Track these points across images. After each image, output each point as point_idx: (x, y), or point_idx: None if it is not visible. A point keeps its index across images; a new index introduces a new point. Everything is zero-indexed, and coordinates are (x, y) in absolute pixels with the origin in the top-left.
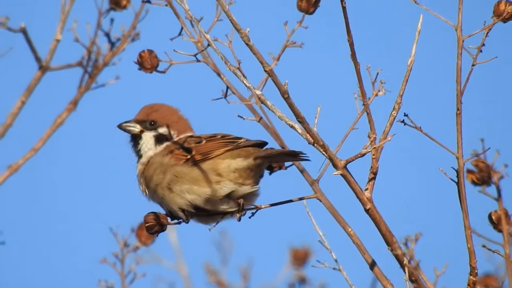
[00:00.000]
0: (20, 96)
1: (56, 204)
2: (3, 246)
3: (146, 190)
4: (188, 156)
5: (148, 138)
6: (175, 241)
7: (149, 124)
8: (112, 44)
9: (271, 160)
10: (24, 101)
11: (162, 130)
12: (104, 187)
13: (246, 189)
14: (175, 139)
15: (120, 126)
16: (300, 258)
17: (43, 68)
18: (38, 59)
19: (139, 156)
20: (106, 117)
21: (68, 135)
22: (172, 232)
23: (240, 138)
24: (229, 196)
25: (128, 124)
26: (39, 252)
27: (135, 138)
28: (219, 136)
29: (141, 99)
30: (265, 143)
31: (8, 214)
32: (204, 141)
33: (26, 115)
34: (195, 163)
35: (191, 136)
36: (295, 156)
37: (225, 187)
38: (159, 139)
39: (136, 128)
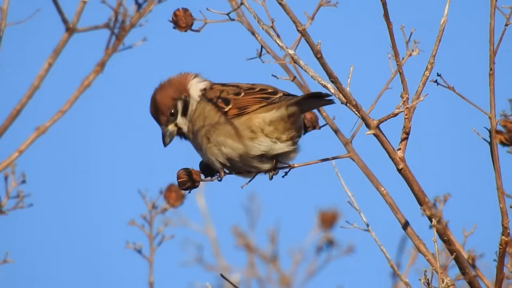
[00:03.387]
0: (47, 58)
1: (84, 167)
2: (31, 208)
3: (191, 136)
4: (226, 109)
5: (182, 122)
6: (203, 203)
7: (170, 115)
8: (139, 6)
9: (301, 106)
10: (51, 63)
11: (179, 107)
12: (132, 149)
13: (282, 146)
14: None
15: (167, 144)
16: (328, 221)
17: (70, 30)
18: (65, 21)
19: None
20: (133, 79)
21: (95, 97)
22: (200, 195)
23: (276, 93)
24: (263, 155)
25: (167, 136)
26: (68, 214)
27: (180, 132)
28: (258, 89)
29: (170, 60)
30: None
31: (37, 177)
32: (243, 93)
33: (53, 77)
34: (232, 116)
35: (230, 86)
36: (320, 97)
37: (259, 145)
38: (184, 111)
39: (171, 129)
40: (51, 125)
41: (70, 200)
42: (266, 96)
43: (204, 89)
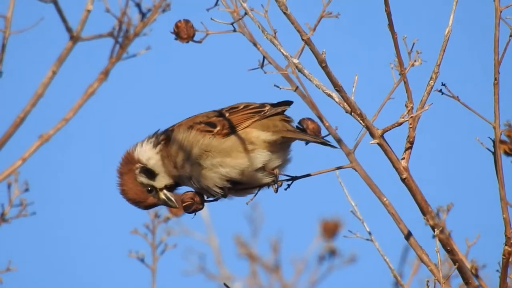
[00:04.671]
0: (51, 66)
1: (86, 174)
2: (34, 217)
3: (174, 172)
4: (214, 130)
5: (159, 181)
6: (206, 213)
7: (149, 192)
8: (143, 15)
9: (298, 139)
10: (55, 71)
11: (144, 179)
12: None
13: (279, 157)
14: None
15: (175, 204)
16: (331, 230)
17: (74, 39)
18: (69, 29)
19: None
20: (137, 87)
21: (99, 105)
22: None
23: (264, 106)
24: (263, 167)
25: (168, 201)
26: (71, 222)
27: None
28: (242, 107)
29: (172, 69)
30: (290, 102)
31: (40, 185)
32: (227, 114)
33: (57, 85)
34: (224, 136)
35: (199, 116)
36: (320, 143)
37: (259, 155)
38: (150, 175)
39: (163, 195)
40: (54, 133)
41: (73, 208)
42: (256, 111)
43: (161, 139)
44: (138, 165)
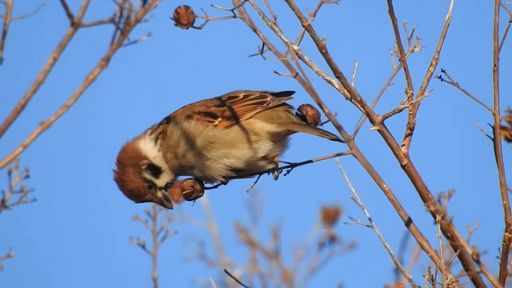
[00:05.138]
0: (52, 53)
1: (88, 162)
2: (35, 203)
3: (176, 163)
4: (216, 122)
5: (162, 179)
6: (206, 200)
7: (148, 189)
8: (144, 1)
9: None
10: (56, 58)
11: (148, 175)
12: None
13: (281, 145)
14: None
15: (172, 206)
16: (330, 217)
17: (75, 25)
18: (70, 15)
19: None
20: (138, 74)
21: (100, 91)
22: None
23: (265, 97)
24: (265, 156)
25: (165, 201)
26: (72, 209)
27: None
28: (242, 96)
29: (174, 55)
30: (292, 92)
31: (41, 172)
32: (227, 103)
33: (58, 71)
34: (226, 127)
35: (197, 104)
36: (326, 136)
37: (263, 145)
38: (155, 172)
39: (160, 194)
40: (55, 120)
41: (73, 195)
42: (258, 101)
43: (158, 133)
44: (145, 161)
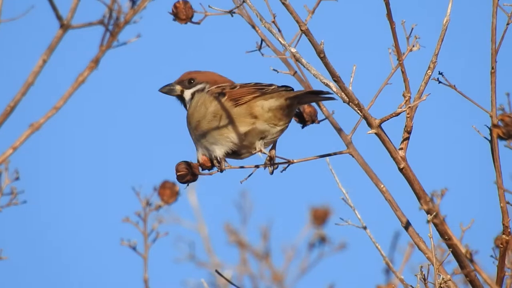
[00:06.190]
0: (41, 55)
1: (78, 164)
2: (25, 205)
3: (191, 128)
4: (223, 100)
5: (188, 95)
6: (195, 201)
7: (187, 82)
8: (133, 2)
9: (300, 99)
10: (45, 60)
11: (201, 86)
12: (126, 146)
13: (278, 130)
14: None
15: (161, 90)
16: (320, 217)
17: (64, 27)
18: (59, 17)
19: None
20: (127, 75)
21: (89, 93)
22: (192, 192)
23: (271, 85)
24: (263, 138)
25: (168, 86)
26: (62, 211)
27: (180, 99)
28: (252, 84)
29: (164, 57)
30: (292, 89)
31: (30, 174)
32: (238, 87)
33: (47, 73)
34: (229, 106)
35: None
36: (320, 94)
37: (259, 127)
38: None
39: (176, 87)
40: (45, 122)
41: (64, 197)
42: (260, 87)
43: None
44: (205, 86)
